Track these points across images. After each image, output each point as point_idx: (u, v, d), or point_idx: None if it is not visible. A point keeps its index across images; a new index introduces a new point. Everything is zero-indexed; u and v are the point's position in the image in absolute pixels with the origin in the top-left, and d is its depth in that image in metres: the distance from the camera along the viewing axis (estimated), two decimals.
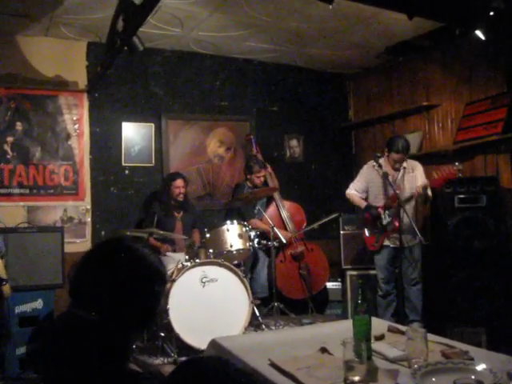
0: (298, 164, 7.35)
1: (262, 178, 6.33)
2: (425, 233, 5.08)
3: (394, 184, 5.18)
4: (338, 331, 2.86)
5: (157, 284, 1.43)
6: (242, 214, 6.11)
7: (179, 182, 5.85)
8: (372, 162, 5.47)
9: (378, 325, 2.80)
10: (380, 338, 2.67)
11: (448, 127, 6.16)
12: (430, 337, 2.44)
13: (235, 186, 6.60)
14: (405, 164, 5.40)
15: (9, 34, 5.73)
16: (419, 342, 2.25)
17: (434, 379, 2.07)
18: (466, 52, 5.86)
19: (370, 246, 5.53)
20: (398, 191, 5.11)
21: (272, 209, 6.43)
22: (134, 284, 1.38)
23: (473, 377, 2.04)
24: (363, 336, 2.35)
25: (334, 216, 6.19)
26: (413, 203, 5.31)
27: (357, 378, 2.05)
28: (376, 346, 2.49)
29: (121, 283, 1.36)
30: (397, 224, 5.18)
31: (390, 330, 2.83)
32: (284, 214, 6.42)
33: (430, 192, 5.19)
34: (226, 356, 2.65)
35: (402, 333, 2.70)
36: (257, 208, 6.28)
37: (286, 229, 6.33)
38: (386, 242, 5.39)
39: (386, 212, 5.29)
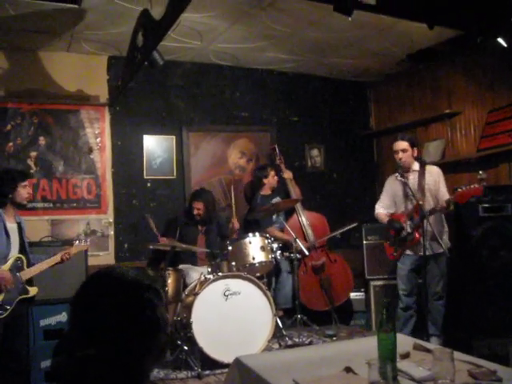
0: (319, 173, 7.32)
1: (277, 178, 6.45)
2: (448, 244, 4.98)
3: (416, 193, 5.06)
4: (362, 349, 2.82)
5: (145, 292, 1.41)
6: (258, 224, 6.10)
7: (198, 205, 5.88)
8: (394, 175, 5.40)
9: (403, 342, 2.75)
10: (405, 356, 2.62)
11: (471, 135, 6.09)
12: (457, 355, 2.38)
13: (249, 195, 6.67)
14: (416, 166, 5.27)
15: (31, 50, 5.82)
16: (446, 361, 2.21)
17: None
18: (488, 58, 5.79)
19: (390, 255, 5.45)
20: (420, 202, 4.96)
21: (293, 219, 6.41)
22: (120, 302, 1.37)
23: None
24: (388, 356, 2.31)
25: (353, 225, 6.18)
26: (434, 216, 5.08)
27: None
28: (401, 365, 2.44)
29: (105, 307, 1.35)
30: (417, 236, 5.11)
31: (416, 347, 2.78)
32: (305, 224, 6.38)
33: (451, 205, 5.01)
34: (250, 375, 2.63)
35: (428, 351, 2.66)
36: (275, 217, 6.28)
37: (305, 239, 6.28)
38: (409, 252, 5.28)
39: (408, 223, 5.21)
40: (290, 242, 5.80)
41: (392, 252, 5.37)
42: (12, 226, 4.13)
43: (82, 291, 1.42)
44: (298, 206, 6.44)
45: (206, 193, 6.04)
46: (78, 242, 4.61)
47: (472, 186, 4.68)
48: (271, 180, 6.42)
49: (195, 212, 5.88)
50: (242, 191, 6.83)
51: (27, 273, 4.14)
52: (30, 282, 4.21)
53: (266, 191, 6.44)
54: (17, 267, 4.08)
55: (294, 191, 6.52)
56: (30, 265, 4.21)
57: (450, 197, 4.86)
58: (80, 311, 1.39)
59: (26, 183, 4.18)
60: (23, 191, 4.14)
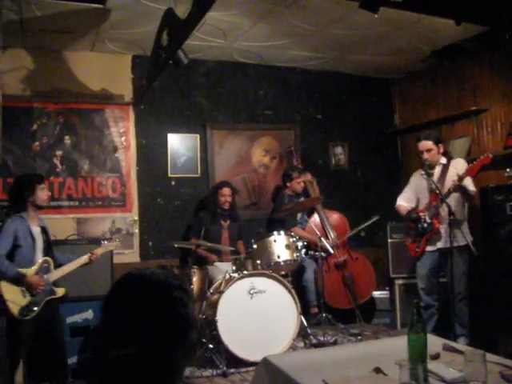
0: (343, 171, 7.29)
1: (302, 184, 6.40)
2: (476, 242, 4.90)
3: (437, 184, 4.97)
4: (390, 349, 2.79)
5: (174, 291, 1.42)
6: (283, 223, 6.08)
7: (226, 191, 5.91)
8: (419, 171, 5.35)
9: (432, 342, 2.71)
10: (435, 357, 2.59)
11: (497, 132, 6.00)
12: (488, 356, 2.34)
13: (275, 196, 6.64)
14: (443, 160, 5.22)
15: (56, 49, 5.88)
16: (478, 363, 2.17)
17: None
18: None
19: (412, 251, 5.38)
20: (437, 191, 4.91)
21: (314, 218, 6.39)
22: (152, 302, 1.38)
23: None
24: (419, 357, 2.29)
25: (374, 219, 6.13)
26: (454, 203, 4.92)
27: None
28: (432, 366, 2.41)
29: (138, 307, 1.37)
30: (437, 225, 5.05)
31: (445, 348, 2.75)
32: (326, 224, 6.35)
33: (471, 187, 4.95)
34: (278, 375, 2.62)
35: (458, 351, 2.63)
36: (299, 216, 6.28)
37: (327, 238, 6.25)
38: (429, 248, 5.19)
39: (427, 213, 5.13)
40: (314, 241, 5.78)
41: (414, 248, 5.31)
42: (36, 230, 4.22)
43: (113, 292, 1.44)
44: (318, 206, 6.42)
45: (228, 182, 6.13)
46: (105, 241, 4.72)
47: (481, 157, 4.79)
48: (294, 185, 6.36)
49: (223, 200, 5.92)
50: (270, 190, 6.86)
51: (54, 274, 4.25)
52: (55, 282, 4.31)
53: (289, 192, 6.42)
54: (44, 269, 4.19)
55: (314, 192, 6.51)
56: (56, 266, 4.32)
57: (461, 173, 4.84)
58: (112, 311, 1.41)
59: (43, 185, 4.28)
60: (42, 193, 4.23)
